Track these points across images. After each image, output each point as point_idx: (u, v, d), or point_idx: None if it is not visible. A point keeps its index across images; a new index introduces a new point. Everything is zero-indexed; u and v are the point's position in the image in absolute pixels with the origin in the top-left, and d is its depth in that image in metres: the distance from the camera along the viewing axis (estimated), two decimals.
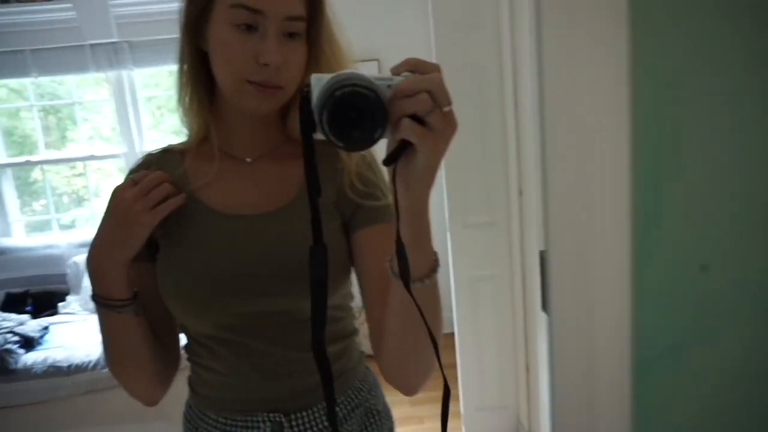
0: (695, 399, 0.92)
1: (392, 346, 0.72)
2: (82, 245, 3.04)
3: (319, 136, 0.54)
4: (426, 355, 0.66)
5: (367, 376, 0.88)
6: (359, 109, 0.51)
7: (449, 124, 0.53)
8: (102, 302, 0.75)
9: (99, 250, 0.75)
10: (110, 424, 2.34)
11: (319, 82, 0.53)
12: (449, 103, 0.52)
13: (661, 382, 0.91)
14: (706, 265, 0.87)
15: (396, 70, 0.54)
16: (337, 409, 0.80)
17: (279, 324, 0.77)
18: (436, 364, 0.62)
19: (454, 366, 2.31)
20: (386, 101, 0.51)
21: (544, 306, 0.92)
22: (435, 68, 0.53)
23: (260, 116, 0.77)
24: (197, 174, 0.80)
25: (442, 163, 0.55)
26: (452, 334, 2.30)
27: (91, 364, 2.37)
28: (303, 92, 0.55)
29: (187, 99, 0.78)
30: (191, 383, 0.86)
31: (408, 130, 0.51)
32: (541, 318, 1.17)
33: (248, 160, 0.81)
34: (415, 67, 0.53)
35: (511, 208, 2.15)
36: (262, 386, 0.79)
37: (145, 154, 0.86)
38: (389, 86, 0.52)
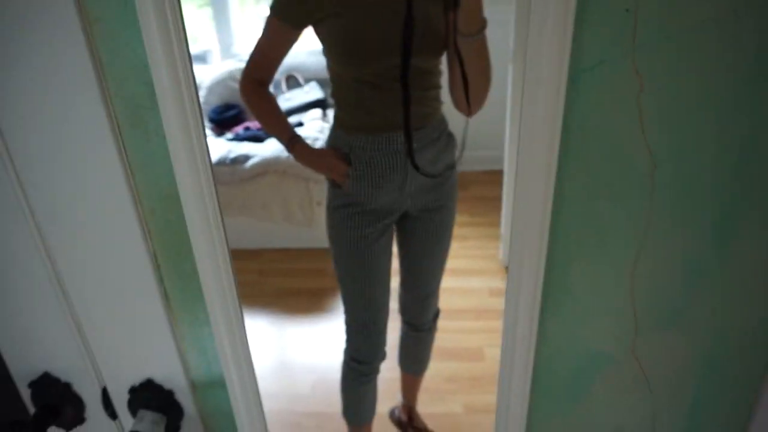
0: None
1: (457, 88, 1.15)
2: None
3: None
4: (480, 88, 1.15)
5: (444, 116, 1.34)
6: None
7: None
8: None
9: None
10: None
11: None
12: None
13: None
14: None
15: None
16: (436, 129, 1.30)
17: (412, 72, 1.12)
18: (487, 95, 1.13)
19: (499, 198, 2.64)
20: None
21: None
22: None
23: None
24: None
25: None
26: (501, 171, 2.60)
27: None
28: None
29: None
30: (340, 121, 1.28)
31: None
32: None
33: None
34: None
35: None
36: (395, 113, 1.16)
37: None
38: None
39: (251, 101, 1.31)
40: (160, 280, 0.72)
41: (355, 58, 1.16)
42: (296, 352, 2.57)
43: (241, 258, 3.19)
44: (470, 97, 1.12)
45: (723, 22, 0.49)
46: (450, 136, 1.35)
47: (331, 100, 1.37)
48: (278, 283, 3.05)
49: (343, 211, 1.32)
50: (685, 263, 0.60)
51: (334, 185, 1.33)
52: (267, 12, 1.18)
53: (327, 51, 1.20)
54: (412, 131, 1.19)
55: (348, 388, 1.58)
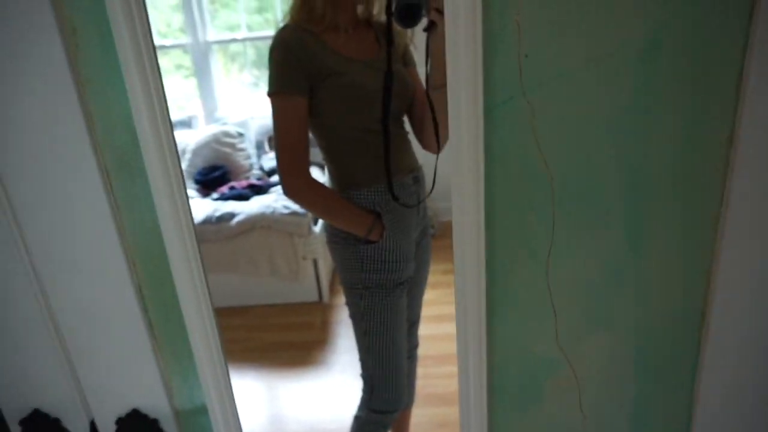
0: None
1: (426, 130, 1.34)
2: None
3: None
4: (446, 130, 1.23)
5: None
6: (415, 6, 1.10)
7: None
8: None
9: None
10: None
11: None
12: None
13: None
14: None
15: None
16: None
17: (397, 117, 1.32)
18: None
19: None
20: (425, 4, 1.09)
21: None
22: None
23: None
24: (333, 40, 1.24)
25: None
26: None
27: None
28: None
29: None
30: (351, 180, 1.33)
31: (435, 16, 1.07)
32: None
33: (349, 30, 1.27)
34: None
35: None
36: (396, 157, 1.30)
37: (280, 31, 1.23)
38: None
39: (315, 197, 1.30)
40: (145, 310, 0.79)
41: (363, 104, 1.27)
42: (286, 406, 2.57)
43: (228, 315, 3.22)
44: (441, 137, 1.27)
45: (602, 61, 0.60)
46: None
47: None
48: (266, 338, 3.07)
49: (381, 292, 1.38)
50: (602, 265, 0.68)
51: (364, 243, 1.34)
52: (265, 97, 1.22)
53: (329, 108, 1.25)
54: (411, 172, 1.37)
55: None
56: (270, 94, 1.22)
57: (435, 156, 1.33)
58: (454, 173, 0.66)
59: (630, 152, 0.63)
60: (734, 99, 0.61)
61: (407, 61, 1.41)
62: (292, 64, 1.20)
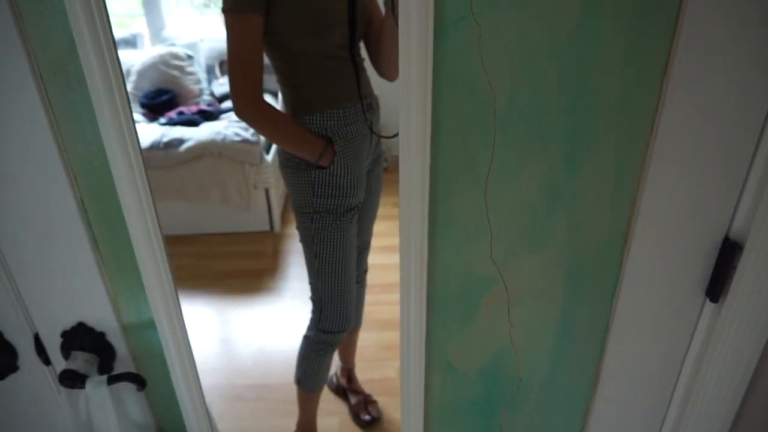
0: None
1: (384, 56, 1.39)
2: None
3: None
4: None
5: None
6: None
7: None
8: None
9: None
10: None
11: None
12: None
13: None
14: None
15: None
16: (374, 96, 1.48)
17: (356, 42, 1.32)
18: None
19: None
20: None
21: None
22: None
23: None
24: None
25: None
26: None
27: None
28: None
29: None
30: (306, 104, 1.32)
31: None
32: None
33: None
34: None
35: None
36: (351, 83, 1.34)
37: None
38: None
39: (266, 121, 1.28)
40: (88, 225, 0.78)
41: (322, 28, 1.24)
42: (237, 330, 2.62)
43: (179, 243, 3.19)
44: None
45: None
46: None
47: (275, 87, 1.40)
48: (217, 266, 3.07)
49: (330, 216, 1.41)
50: (538, 187, 0.72)
51: (316, 168, 1.36)
52: (220, 15, 1.19)
53: (288, 28, 1.22)
54: (365, 99, 1.35)
55: (315, 359, 1.66)
56: (225, 10, 1.17)
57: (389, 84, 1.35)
58: (402, 92, 0.67)
59: (572, 76, 0.65)
60: (672, 28, 0.64)
61: None
62: None
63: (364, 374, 2.27)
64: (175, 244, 3.12)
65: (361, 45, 1.42)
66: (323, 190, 1.39)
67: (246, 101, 1.22)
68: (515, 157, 0.70)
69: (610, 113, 0.68)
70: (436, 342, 0.86)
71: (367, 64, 1.44)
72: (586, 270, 0.80)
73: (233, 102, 1.23)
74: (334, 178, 1.37)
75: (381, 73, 1.46)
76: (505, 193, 0.72)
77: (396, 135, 1.50)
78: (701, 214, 0.75)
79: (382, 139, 1.53)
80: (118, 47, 0.69)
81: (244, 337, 2.57)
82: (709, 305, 0.81)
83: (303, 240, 1.49)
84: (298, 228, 1.50)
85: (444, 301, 0.82)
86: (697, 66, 0.65)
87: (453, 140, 0.69)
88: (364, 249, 1.77)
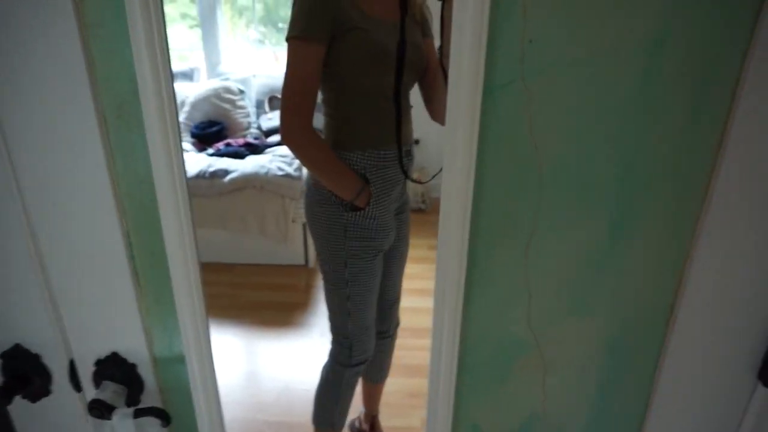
0: None
1: (435, 104, 1.45)
2: None
3: None
4: None
5: None
6: None
7: None
8: None
9: None
10: None
11: None
12: None
13: None
14: None
15: None
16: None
17: (403, 88, 1.33)
18: None
19: None
20: None
21: None
22: None
23: None
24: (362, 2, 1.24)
25: None
26: None
27: None
28: None
29: None
30: (352, 141, 1.34)
31: None
32: None
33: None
34: None
35: None
36: (392, 128, 1.34)
37: None
38: None
39: (311, 149, 1.28)
40: (132, 258, 0.80)
41: (376, 68, 1.26)
42: (263, 363, 2.62)
43: (215, 271, 3.25)
44: None
45: (605, 53, 0.61)
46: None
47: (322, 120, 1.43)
48: (249, 296, 3.10)
49: (363, 260, 1.42)
50: (582, 254, 0.70)
51: (351, 209, 1.36)
52: (283, 44, 1.21)
53: (345, 62, 1.24)
54: (404, 145, 1.37)
55: (343, 392, 1.64)
56: (290, 38, 1.20)
57: (433, 131, 1.37)
58: (447, 152, 0.67)
59: (622, 147, 0.64)
60: (729, 103, 0.62)
61: (425, 32, 1.40)
62: (318, 9, 1.18)
63: (387, 421, 2.22)
64: (211, 271, 3.17)
65: (415, 89, 1.44)
66: (356, 233, 1.39)
67: (296, 126, 1.24)
68: (559, 222, 0.68)
69: (659, 184, 0.66)
70: (464, 404, 0.83)
71: (415, 112, 1.46)
72: (626, 342, 0.77)
73: (282, 127, 1.25)
74: (368, 220, 1.38)
75: (434, 117, 1.48)
76: (547, 258, 0.71)
77: (430, 180, 1.52)
78: (755, 292, 0.71)
79: (420, 181, 1.55)
80: (175, 80, 0.72)
81: (269, 371, 2.56)
82: (762, 389, 0.76)
83: (332, 282, 1.48)
84: (325, 271, 1.48)
85: (475, 363, 0.79)
86: (754, 135, 0.63)
87: (496, 202, 0.68)
88: (394, 302, 1.74)
